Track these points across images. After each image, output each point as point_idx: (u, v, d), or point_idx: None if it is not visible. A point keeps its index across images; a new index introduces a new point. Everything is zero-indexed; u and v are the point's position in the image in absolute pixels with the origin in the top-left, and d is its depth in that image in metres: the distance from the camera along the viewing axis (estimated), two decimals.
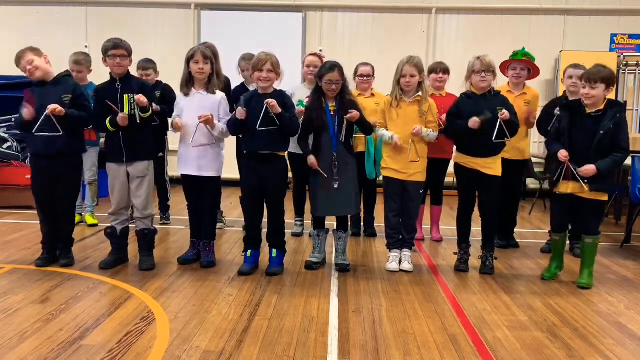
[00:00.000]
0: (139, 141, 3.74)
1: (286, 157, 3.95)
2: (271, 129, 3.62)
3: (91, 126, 4.58)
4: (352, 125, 3.79)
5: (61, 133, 3.65)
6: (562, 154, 3.57)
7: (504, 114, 3.68)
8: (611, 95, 3.69)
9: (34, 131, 3.60)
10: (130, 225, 3.99)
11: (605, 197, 3.65)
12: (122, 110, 3.65)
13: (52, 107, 3.57)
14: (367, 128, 3.88)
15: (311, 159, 3.79)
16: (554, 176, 3.69)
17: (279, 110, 3.58)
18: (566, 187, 3.65)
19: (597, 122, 3.53)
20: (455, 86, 4.60)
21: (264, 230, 3.92)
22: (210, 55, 3.80)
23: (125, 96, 3.67)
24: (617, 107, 3.57)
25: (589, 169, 3.50)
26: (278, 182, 3.80)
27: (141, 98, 3.61)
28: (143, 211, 3.85)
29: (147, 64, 5.01)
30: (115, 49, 3.67)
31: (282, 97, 3.72)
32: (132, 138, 3.72)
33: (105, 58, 3.71)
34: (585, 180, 3.54)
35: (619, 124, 3.51)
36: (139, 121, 3.65)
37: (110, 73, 3.77)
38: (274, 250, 3.83)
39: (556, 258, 3.88)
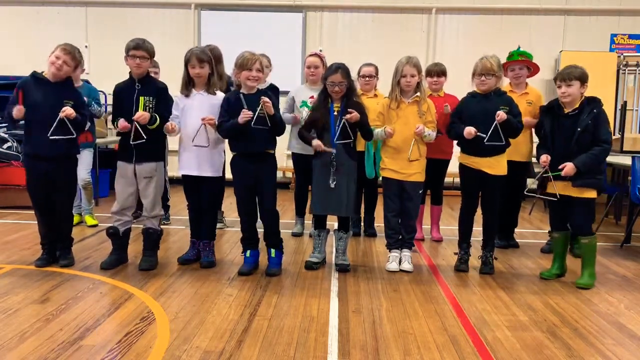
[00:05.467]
0: (149, 143, 3.72)
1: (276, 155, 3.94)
2: (263, 128, 3.62)
3: (89, 125, 4.59)
4: (353, 128, 3.78)
5: (74, 135, 3.67)
6: (542, 160, 3.65)
7: (499, 115, 3.68)
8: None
9: (49, 135, 3.58)
10: (132, 226, 3.99)
11: (593, 194, 3.65)
12: (137, 111, 3.66)
13: (68, 111, 3.58)
14: (366, 132, 3.85)
15: (315, 142, 3.76)
16: (538, 180, 3.74)
17: (273, 111, 3.59)
18: (552, 188, 3.67)
19: (575, 120, 3.59)
20: (455, 86, 4.61)
21: (262, 231, 3.91)
22: (206, 57, 3.78)
23: (141, 98, 3.70)
24: (593, 103, 3.61)
25: (568, 168, 3.53)
26: (272, 180, 3.82)
27: (141, 117, 3.61)
28: (150, 211, 3.86)
29: (154, 62, 5.01)
30: (136, 49, 3.68)
31: (268, 97, 3.71)
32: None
33: (126, 57, 3.73)
34: (567, 179, 3.59)
35: (596, 118, 3.55)
36: (141, 139, 3.66)
37: (130, 72, 3.78)
38: (273, 250, 3.83)
39: (557, 258, 3.88)
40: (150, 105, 3.73)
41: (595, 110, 3.57)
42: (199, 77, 3.80)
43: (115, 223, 3.88)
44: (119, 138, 3.92)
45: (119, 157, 3.85)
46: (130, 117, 3.65)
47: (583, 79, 3.60)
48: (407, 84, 3.82)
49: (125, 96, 3.74)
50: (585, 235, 3.70)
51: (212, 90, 3.85)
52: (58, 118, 3.57)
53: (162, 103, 3.79)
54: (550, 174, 3.61)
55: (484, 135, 3.71)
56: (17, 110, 3.59)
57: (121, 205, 3.84)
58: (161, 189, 3.94)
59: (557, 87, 3.66)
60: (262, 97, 3.57)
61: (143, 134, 3.65)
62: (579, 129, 3.56)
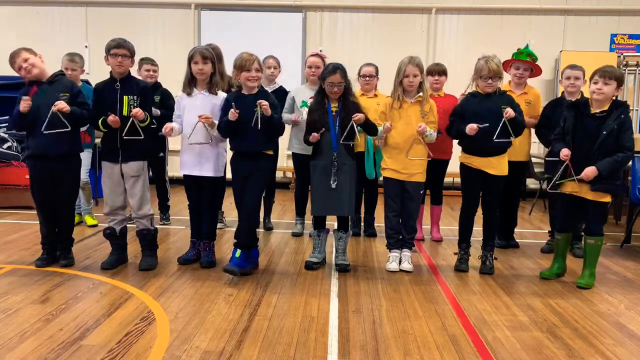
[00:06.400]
0: (135, 142, 3.73)
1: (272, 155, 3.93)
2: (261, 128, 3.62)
3: (87, 126, 4.60)
4: (354, 129, 3.78)
5: (69, 128, 3.63)
6: (563, 153, 3.57)
7: (508, 112, 3.68)
8: None
9: (42, 130, 3.57)
10: (129, 225, 3.99)
11: (608, 199, 3.63)
12: (122, 112, 3.66)
13: (60, 104, 3.56)
14: (371, 128, 3.86)
15: (311, 135, 3.76)
16: (554, 175, 3.69)
17: (269, 112, 3.59)
18: (568, 187, 3.65)
19: (601, 122, 3.53)
20: (455, 85, 4.60)
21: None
22: (209, 55, 3.80)
23: (125, 97, 3.69)
24: (621, 108, 3.56)
25: (589, 171, 3.49)
26: (261, 181, 3.78)
27: (138, 113, 3.62)
28: (138, 211, 3.84)
29: (154, 62, 5.04)
30: (118, 48, 3.68)
31: (267, 97, 3.72)
32: (129, 139, 3.71)
33: (107, 56, 3.72)
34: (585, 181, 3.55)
35: (622, 123, 3.50)
36: (138, 135, 3.66)
37: (111, 72, 3.77)
38: (238, 251, 3.67)
39: (558, 258, 3.88)
40: (135, 104, 3.71)
41: (622, 116, 3.52)
42: (201, 73, 3.79)
43: (110, 223, 3.88)
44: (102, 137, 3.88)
45: (104, 157, 3.82)
46: (107, 119, 3.64)
47: (620, 81, 3.54)
48: (409, 84, 3.82)
49: (106, 96, 3.72)
50: (594, 235, 3.69)
51: (214, 90, 3.86)
52: (50, 112, 3.56)
53: (146, 102, 3.78)
54: (572, 171, 3.56)
55: (487, 125, 3.68)
56: (24, 102, 3.56)
57: (111, 207, 3.84)
58: (147, 188, 3.92)
59: (592, 82, 3.57)
60: (260, 100, 3.56)
61: (140, 131, 3.65)
62: (604, 132, 3.50)
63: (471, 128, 3.72)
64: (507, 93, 4.27)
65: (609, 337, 2.87)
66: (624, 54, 7.75)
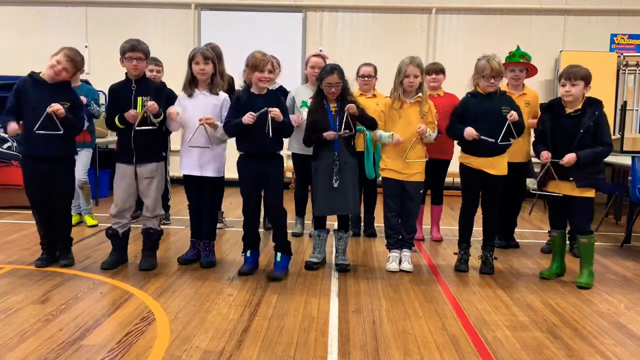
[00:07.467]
0: (148, 143, 3.74)
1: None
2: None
3: (88, 124, 4.58)
4: (353, 122, 3.77)
5: (62, 131, 3.62)
6: (543, 156, 3.65)
7: (513, 115, 3.70)
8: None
9: (35, 129, 3.56)
10: (132, 226, 3.99)
11: (592, 194, 3.67)
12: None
13: (56, 106, 3.55)
14: (369, 123, 3.84)
15: (327, 132, 3.73)
16: (540, 177, 3.75)
17: (282, 119, 3.59)
18: (554, 187, 3.69)
19: (577, 121, 3.59)
20: (455, 85, 4.60)
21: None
22: (211, 55, 3.80)
23: (139, 98, 3.69)
24: (595, 105, 3.62)
25: (569, 157, 3.54)
26: (279, 179, 3.80)
27: (152, 106, 3.61)
28: (152, 211, 3.86)
29: (158, 61, 5.03)
30: (133, 51, 3.67)
31: (277, 100, 3.71)
32: (143, 140, 3.71)
33: (122, 59, 3.72)
34: (571, 178, 3.59)
35: (598, 120, 3.57)
36: (152, 126, 3.67)
37: (126, 73, 3.78)
38: (279, 254, 3.77)
39: (556, 257, 3.89)
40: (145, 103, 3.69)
41: (597, 113, 3.58)
42: (203, 73, 3.79)
43: (114, 225, 3.87)
44: (117, 138, 3.90)
45: (119, 159, 3.82)
46: (124, 115, 3.65)
47: (587, 79, 3.60)
48: (410, 84, 3.82)
49: (121, 96, 3.73)
50: (584, 234, 3.70)
51: (215, 90, 3.85)
52: (45, 113, 3.54)
53: (159, 102, 3.76)
54: (554, 170, 3.62)
55: (485, 138, 3.71)
56: (11, 130, 3.57)
57: (120, 208, 3.83)
58: (162, 189, 3.94)
59: (560, 85, 3.66)
60: (270, 109, 3.55)
61: (155, 122, 3.65)
62: (581, 131, 3.56)
63: (469, 134, 3.73)
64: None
65: (609, 337, 2.87)
66: (624, 54, 7.74)
